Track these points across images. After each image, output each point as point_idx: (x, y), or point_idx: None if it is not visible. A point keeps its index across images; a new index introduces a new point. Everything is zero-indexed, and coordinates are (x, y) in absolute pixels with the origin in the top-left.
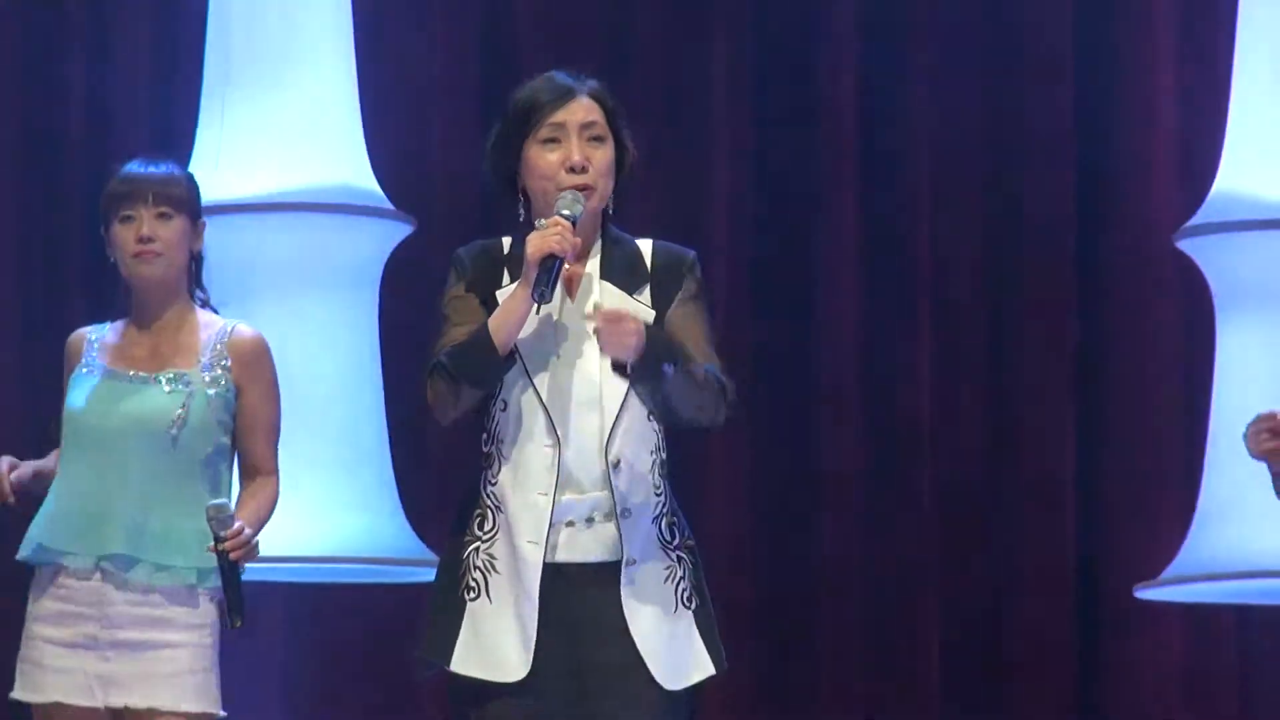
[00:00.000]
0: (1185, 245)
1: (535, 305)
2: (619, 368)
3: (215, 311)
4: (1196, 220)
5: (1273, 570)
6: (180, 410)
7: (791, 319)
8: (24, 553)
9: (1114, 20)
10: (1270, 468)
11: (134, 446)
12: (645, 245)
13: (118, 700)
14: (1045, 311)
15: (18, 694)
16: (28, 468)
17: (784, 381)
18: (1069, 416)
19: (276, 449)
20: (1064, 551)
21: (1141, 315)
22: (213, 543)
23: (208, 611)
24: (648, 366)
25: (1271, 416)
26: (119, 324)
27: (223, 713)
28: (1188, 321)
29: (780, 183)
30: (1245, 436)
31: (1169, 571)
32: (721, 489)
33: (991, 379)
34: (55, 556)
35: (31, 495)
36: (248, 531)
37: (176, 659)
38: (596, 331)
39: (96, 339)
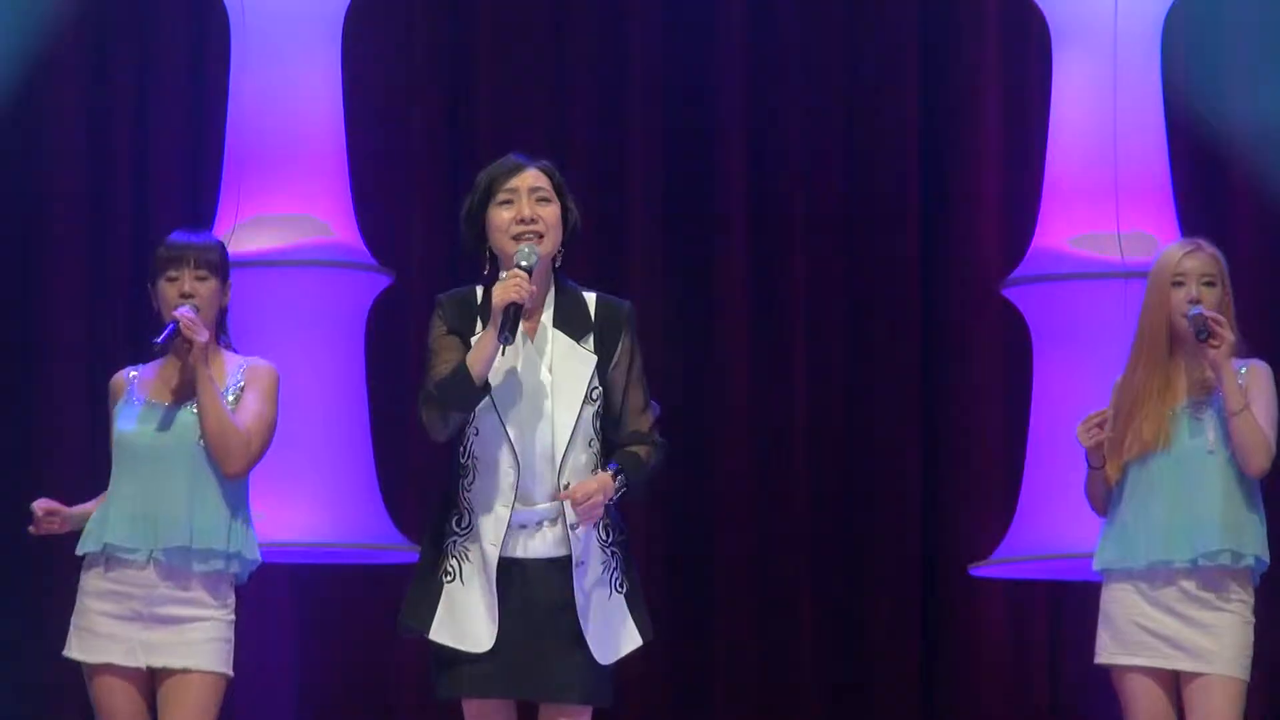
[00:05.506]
0: (1009, 292)
1: (501, 347)
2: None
3: (236, 352)
4: (1018, 273)
5: (1076, 553)
6: None
7: (695, 345)
8: (87, 547)
9: (951, 108)
10: (1090, 460)
11: (174, 460)
12: (590, 297)
13: (157, 662)
14: (896, 344)
15: (74, 654)
16: (65, 510)
17: (688, 401)
18: (914, 430)
19: (261, 434)
20: (911, 537)
21: (973, 347)
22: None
23: (230, 596)
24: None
25: (1101, 413)
26: (158, 362)
27: (231, 673)
28: (1010, 353)
29: (684, 229)
30: (1077, 429)
31: (996, 554)
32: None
33: (851, 397)
34: (116, 551)
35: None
36: (197, 329)
37: (204, 629)
38: (576, 510)
39: (135, 377)
